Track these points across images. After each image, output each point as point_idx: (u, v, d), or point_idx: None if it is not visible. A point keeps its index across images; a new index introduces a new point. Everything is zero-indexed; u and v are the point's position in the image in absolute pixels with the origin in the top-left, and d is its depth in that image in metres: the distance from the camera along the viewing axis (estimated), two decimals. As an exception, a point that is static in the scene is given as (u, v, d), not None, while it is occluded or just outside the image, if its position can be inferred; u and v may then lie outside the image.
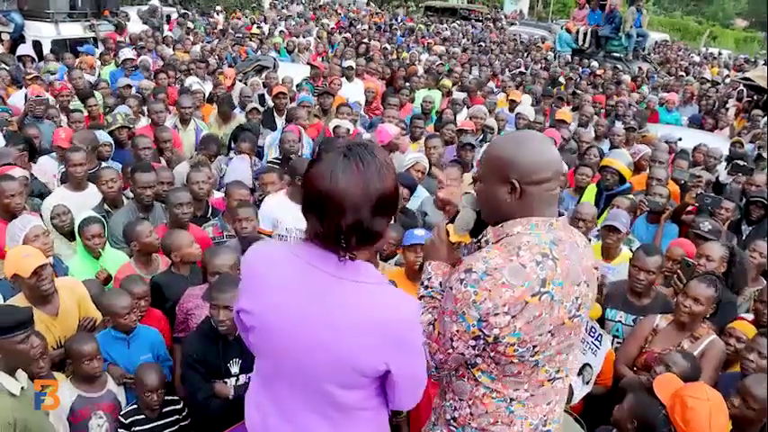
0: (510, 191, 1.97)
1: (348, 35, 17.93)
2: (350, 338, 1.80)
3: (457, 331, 1.95)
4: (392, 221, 1.88)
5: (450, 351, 2.00)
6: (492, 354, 1.98)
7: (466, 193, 2.41)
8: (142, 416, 3.57)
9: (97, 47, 12.00)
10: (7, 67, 9.27)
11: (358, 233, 1.73)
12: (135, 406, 3.60)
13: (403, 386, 1.92)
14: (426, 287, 2.24)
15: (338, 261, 1.78)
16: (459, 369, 2.10)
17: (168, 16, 18.01)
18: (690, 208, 5.69)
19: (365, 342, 1.80)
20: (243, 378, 3.57)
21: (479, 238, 2.17)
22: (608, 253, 4.70)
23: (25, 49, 10.76)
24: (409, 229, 4.47)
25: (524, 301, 1.88)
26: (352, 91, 9.79)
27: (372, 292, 1.83)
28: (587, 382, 3.57)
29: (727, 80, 17.34)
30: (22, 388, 2.95)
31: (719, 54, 26.04)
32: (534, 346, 1.95)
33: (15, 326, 2.98)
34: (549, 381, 2.06)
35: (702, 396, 2.89)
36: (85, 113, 7.44)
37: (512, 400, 2.04)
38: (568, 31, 18.87)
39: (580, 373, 3.46)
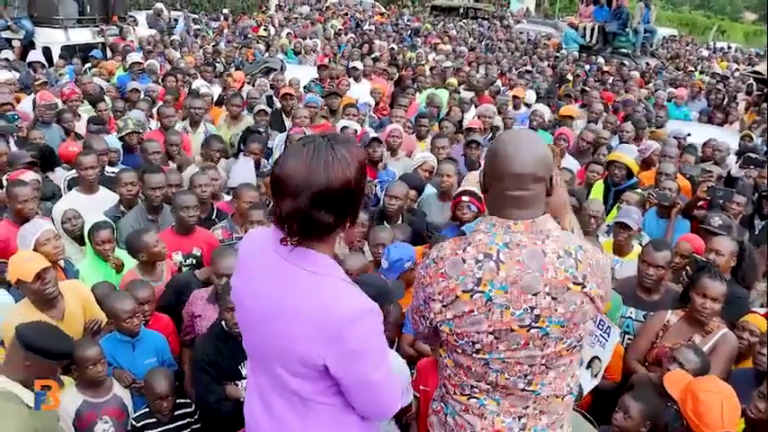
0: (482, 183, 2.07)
1: (355, 36, 17.95)
2: (289, 323, 1.83)
3: (416, 305, 2.14)
4: (350, 223, 1.87)
5: (413, 321, 2.19)
6: (443, 338, 2.07)
7: None
8: (153, 419, 3.59)
9: (105, 52, 12.07)
10: (18, 74, 9.33)
11: (299, 220, 1.75)
12: (147, 409, 3.61)
13: (351, 389, 1.91)
14: None
15: (284, 245, 1.82)
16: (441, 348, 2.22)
17: (176, 20, 18.10)
18: (701, 203, 5.67)
19: (300, 329, 1.82)
20: (255, 380, 3.58)
21: None
22: (620, 250, 4.68)
23: (36, 55, 10.84)
24: (416, 228, 4.45)
25: (455, 294, 1.96)
26: (360, 92, 9.80)
27: (317, 283, 1.83)
28: (596, 375, 3.54)
29: (737, 74, 17.21)
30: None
31: (729, 48, 25.86)
32: (474, 343, 1.98)
33: (62, 355, 3.03)
34: (518, 389, 2.05)
35: (714, 389, 2.89)
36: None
37: (473, 387, 2.09)
38: (572, 26, 18.81)
39: (589, 365, 3.44)
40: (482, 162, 6.08)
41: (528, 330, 1.95)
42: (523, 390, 2.06)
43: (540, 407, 2.10)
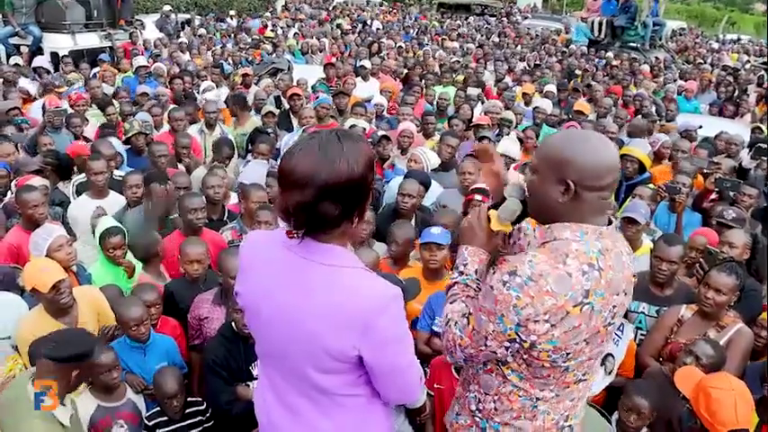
0: (564, 191, 1.91)
1: (362, 35, 17.93)
2: (315, 320, 1.81)
3: (493, 331, 1.94)
4: (356, 217, 1.85)
5: (483, 348, 1.99)
6: (525, 356, 1.96)
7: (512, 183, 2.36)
8: (165, 418, 3.59)
9: (113, 56, 12.12)
10: (28, 80, 9.39)
11: (305, 213, 1.74)
12: (158, 408, 3.62)
13: (381, 377, 1.91)
14: (461, 273, 2.20)
15: (305, 241, 1.81)
16: (488, 364, 2.08)
17: (183, 23, 18.15)
18: (713, 196, 5.62)
19: (330, 324, 1.80)
20: (265, 381, 3.57)
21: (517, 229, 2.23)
22: (629, 244, 4.63)
23: (40, 60, 10.86)
24: (426, 225, 4.46)
25: (566, 311, 1.85)
26: (368, 90, 9.79)
27: (340, 275, 1.82)
28: (609, 372, 3.53)
29: (748, 66, 17.06)
30: (71, 416, 2.95)
31: (739, 40, 25.67)
32: (568, 354, 1.93)
33: (89, 352, 2.99)
34: (575, 382, 2.05)
35: (726, 386, 2.85)
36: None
37: (537, 399, 2.04)
38: (583, 20, 18.73)
39: (602, 363, 3.42)
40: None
41: (606, 328, 1.96)
42: (579, 382, 2.05)
43: (581, 394, 2.11)
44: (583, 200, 1.91)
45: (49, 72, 10.20)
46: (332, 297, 1.80)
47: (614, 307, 1.94)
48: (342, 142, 1.76)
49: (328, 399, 1.93)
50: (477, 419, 2.15)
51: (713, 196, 5.65)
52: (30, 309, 3.80)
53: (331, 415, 1.95)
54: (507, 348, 1.95)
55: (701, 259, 4.23)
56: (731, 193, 5.44)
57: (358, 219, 1.85)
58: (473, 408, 2.16)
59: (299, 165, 1.73)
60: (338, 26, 19.32)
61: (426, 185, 5.38)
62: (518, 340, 1.91)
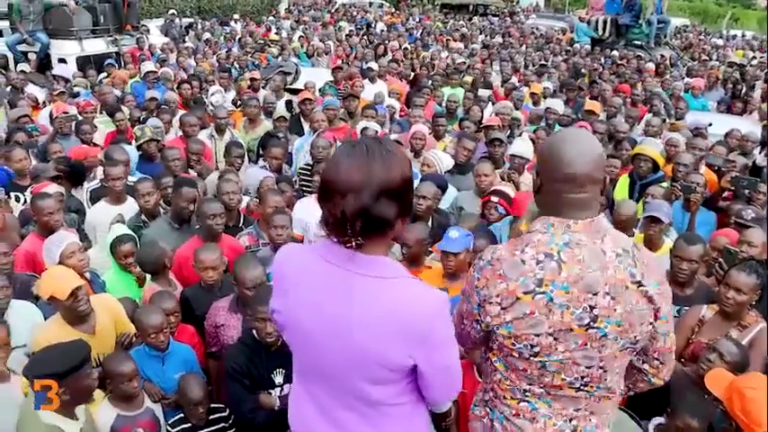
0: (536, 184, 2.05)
1: (366, 37, 17.93)
2: (368, 333, 1.80)
3: (465, 310, 2.11)
4: (406, 217, 1.85)
5: (463, 327, 2.14)
6: (497, 342, 2.04)
7: None
8: (189, 424, 3.58)
9: (119, 62, 12.15)
10: (38, 87, 9.40)
11: (363, 219, 1.72)
12: (182, 414, 3.61)
13: (434, 379, 1.92)
14: None
15: (349, 253, 1.79)
16: (486, 352, 2.18)
17: (186, 27, 18.18)
18: (726, 194, 5.59)
19: (384, 336, 1.79)
20: (287, 388, 3.54)
21: None
22: (651, 244, 4.62)
23: (62, 69, 10.85)
24: (442, 228, 4.44)
25: (516, 296, 1.92)
26: (376, 92, 9.78)
27: (389, 286, 1.81)
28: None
29: (755, 62, 17.00)
30: (81, 429, 2.94)
31: (743, 36, 25.60)
32: (533, 346, 1.95)
33: (83, 361, 2.95)
34: (572, 388, 2.03)
35: (760, 385, 2.84)
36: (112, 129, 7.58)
37: (525, 392, 2.07)
38: (582, 20, 18.69)
39: None
40: (506, 159, 6.16)
41: (586, 330, 1.93)
42: (578, 390, 2.03)
43: (591, 407, 2.09)
44: (548, 192, 1.99)
45: (67, 81, 10.18)
46: (382, 308, 1.78)
47: (592, 308, 1.90)
48: (384, 145, 1.79)
49: (375, 411, 1.91)
50: (489, 410, 2.21)
51: (726, 193, 5.62)
52: (45, 318, 3.80)
53: (380, 427, 1.93)
54: (475, 329, 2.09)
55: (719, 259, 4.21)
56: (747, 192, 5.41)
57: (404, 219, 1.85)
58: (485, 398, 2.23)
59: (354, 170, 1.72)
60: (340, 28, 19.31)
61: (443, 188, 5.37)
62: (480, 321, 2.03)
